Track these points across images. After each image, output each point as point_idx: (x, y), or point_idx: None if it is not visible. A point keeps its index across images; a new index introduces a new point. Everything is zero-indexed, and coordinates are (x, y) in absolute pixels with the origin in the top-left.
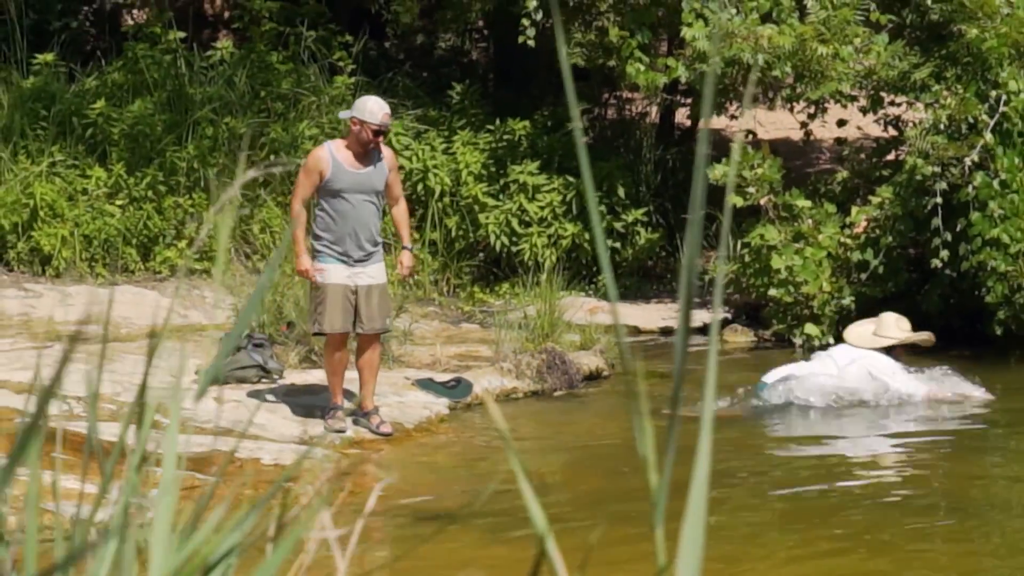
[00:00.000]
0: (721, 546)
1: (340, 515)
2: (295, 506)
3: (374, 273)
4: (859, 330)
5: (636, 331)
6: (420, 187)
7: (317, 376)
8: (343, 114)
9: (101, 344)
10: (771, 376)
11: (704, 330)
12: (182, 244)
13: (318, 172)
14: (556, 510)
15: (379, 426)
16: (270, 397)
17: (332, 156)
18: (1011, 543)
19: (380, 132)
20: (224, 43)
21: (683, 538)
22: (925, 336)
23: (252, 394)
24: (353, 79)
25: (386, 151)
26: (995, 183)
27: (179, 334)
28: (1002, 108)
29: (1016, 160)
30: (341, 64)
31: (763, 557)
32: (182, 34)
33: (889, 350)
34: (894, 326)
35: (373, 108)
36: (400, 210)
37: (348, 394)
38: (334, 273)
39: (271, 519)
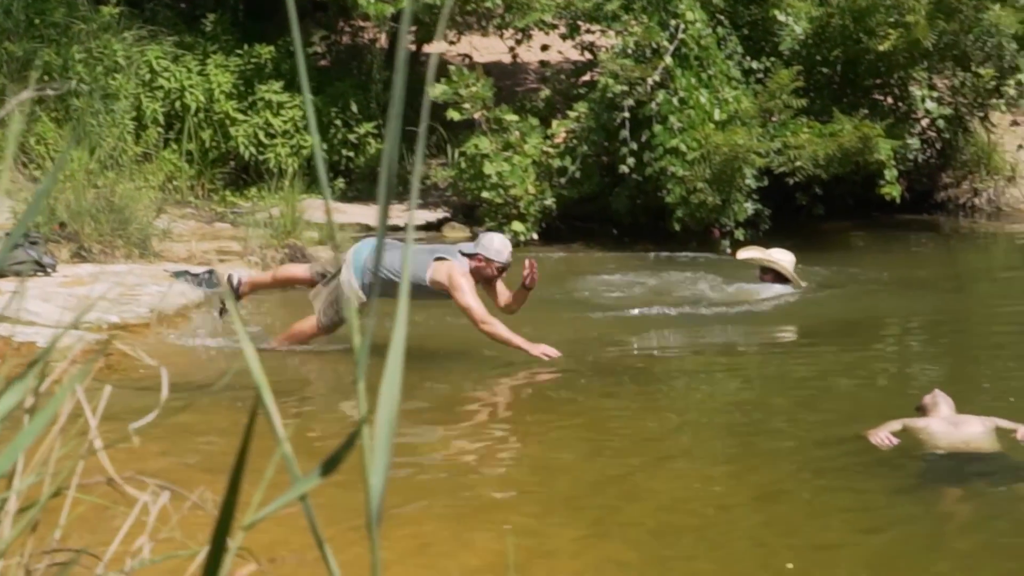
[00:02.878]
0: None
1: (98, 389)
2: (52, 379)
3: None
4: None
5: (367, 228)
6: (178, 104)
7: (87, 270)
8: (467, 247)
9: None
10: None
11: (428, 227)
12: None
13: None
14: (286, 382)
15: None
16: (45, 288)
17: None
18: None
19: (504, 269)
20: None
21: (382, 391)
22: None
23: (27, 285)
24: (118, 9)
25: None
26: (675, 100)
27: None
28: (680, 35)
29: (692, 80)
30: None
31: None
32: None
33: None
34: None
35: (499, 247)
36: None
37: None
38: None
39: (29, 391)
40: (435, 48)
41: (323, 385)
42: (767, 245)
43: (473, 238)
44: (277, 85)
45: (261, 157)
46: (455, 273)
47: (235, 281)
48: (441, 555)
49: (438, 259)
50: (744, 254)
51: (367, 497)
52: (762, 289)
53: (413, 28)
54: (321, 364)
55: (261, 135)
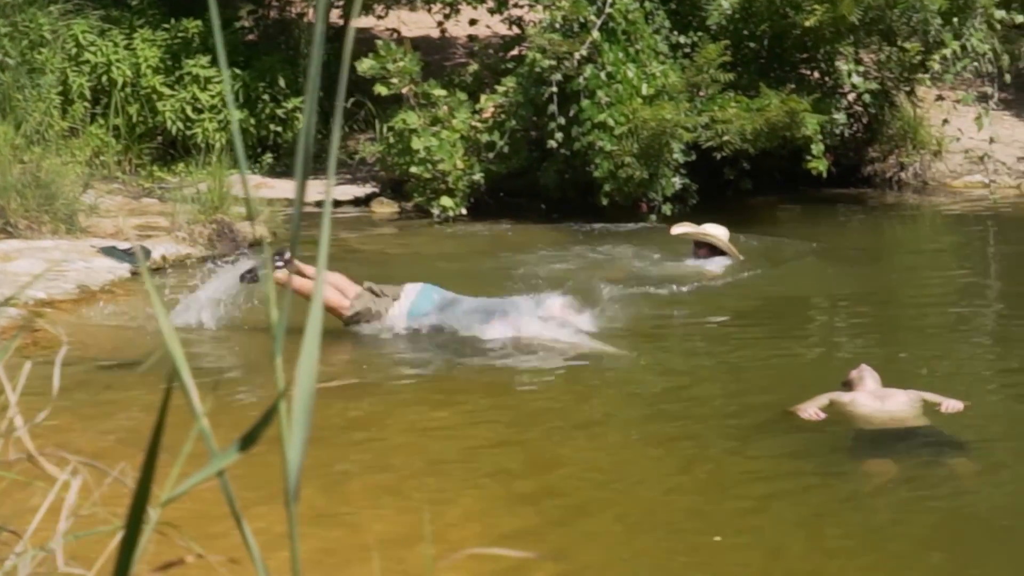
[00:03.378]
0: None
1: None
2: None
3: None
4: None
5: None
6: (104, 79)
7: (13, 246)
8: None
9: None
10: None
11: (356, 202)
12: None
13: None
14: (205, 357)
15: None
16: None
17: None
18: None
19: None
20: None
21: (299, 366)
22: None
23: None
24: None
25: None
26: (602, 74)
27: None
28: (608, 9)
29: (620, 54)
30: None
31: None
32: None
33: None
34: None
35: (553, 308)
36: None
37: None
38: None
39: None
40: (353, 23)
41: (242, 360)
42: (696, 220)
43: (402, 214)
44: (204, 60)
45: (188, 132)
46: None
47: (286, 255)
48: (354, 525)
49: (496, 318)
50: (678, 229)
51: (285, 472)
52: (706, 263)
53: (340, 2)
54: (240, 340)
55: (188, 110)
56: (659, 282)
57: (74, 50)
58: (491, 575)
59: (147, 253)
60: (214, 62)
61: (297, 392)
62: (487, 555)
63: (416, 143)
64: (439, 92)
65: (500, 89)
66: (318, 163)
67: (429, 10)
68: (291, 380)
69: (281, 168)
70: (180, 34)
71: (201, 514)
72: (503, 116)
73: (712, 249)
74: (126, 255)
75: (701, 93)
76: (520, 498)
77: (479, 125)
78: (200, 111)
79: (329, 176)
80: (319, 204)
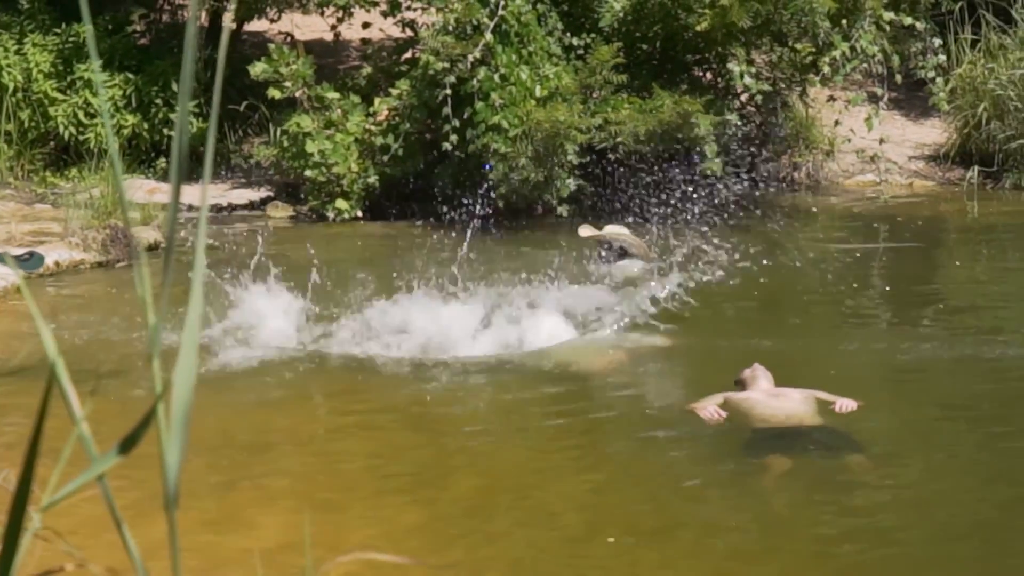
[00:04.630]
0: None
1: None
2: None
3: None
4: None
5: (189, 208)
6: None
7: None
8: None
9: None
10: None
11: (251, 206)
12: None
13: None
14: (83, 361)
15: None
16: None
17: None
18: None
19: None
20: None
21: (178, 368)
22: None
23: None
24: None
25: None
26: (496, 77)
27: None
28: (501, 11)
29: (513, 57)
30: None
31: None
32: None
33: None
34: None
35: None
36: None
37: None
38: None
39: None
40: (227, 24)
41: (123, 364)
42: (591, 221)
43: (298, 217)
44: (97, 64)
45: (81, 137)
46: None
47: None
48: (245, 530)
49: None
50: (586, 231)
51: (164, 475)
52: (615, 266)
53: (233, 6)
54: (120, 345)
55: (81, 115)
56: (566, 286)
57: None
58: None
59: (40, 259)
60: (106, 66)
61: (175, 394)
62: (376, 559)
63: (310, 146)
64: (333, 95)
65: (394, 92)
66: (214, 168)
67: (322, 13)
68: (169, 382)
69: None
70: (71, 39)
71: (97, 519)
72: (397, 119)
73: (621, 251)
74: (19, 261)
75: (594, 95)
76: (415, 502)
77: (373, 128)
78: (93, 116)
79: (205, 179)
80: (213, 208)
